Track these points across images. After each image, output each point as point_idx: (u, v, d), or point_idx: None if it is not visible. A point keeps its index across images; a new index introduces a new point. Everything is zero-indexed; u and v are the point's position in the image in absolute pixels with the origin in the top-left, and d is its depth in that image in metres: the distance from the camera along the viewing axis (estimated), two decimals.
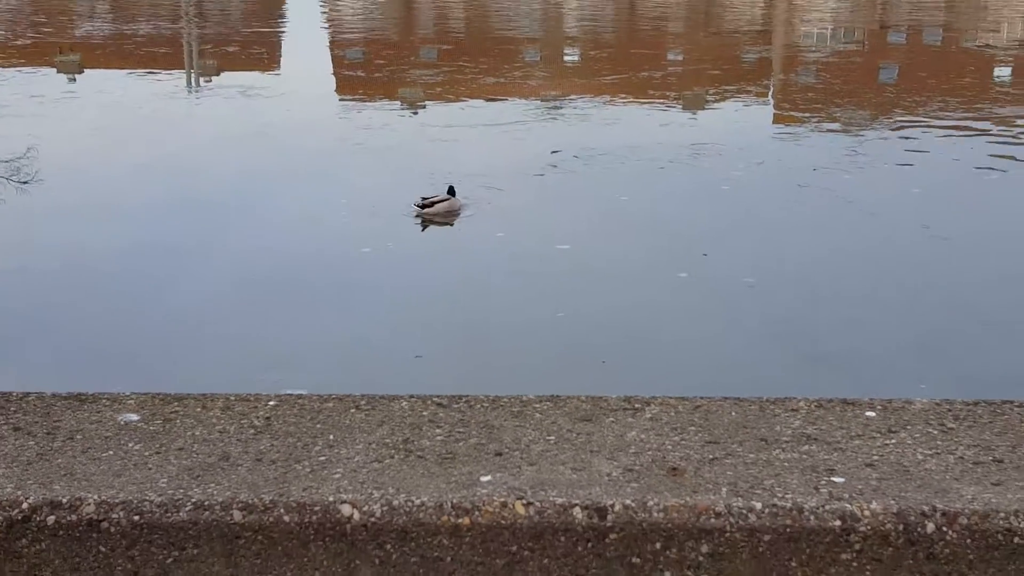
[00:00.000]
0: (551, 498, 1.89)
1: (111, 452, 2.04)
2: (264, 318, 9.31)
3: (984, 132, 16.94)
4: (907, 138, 16.70)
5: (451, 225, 12.33)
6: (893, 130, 17.36)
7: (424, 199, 12.53)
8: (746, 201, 13.28)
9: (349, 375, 8.04)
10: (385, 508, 1.89)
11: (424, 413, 2.17)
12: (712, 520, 1.87)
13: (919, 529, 1.85)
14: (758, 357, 8.60)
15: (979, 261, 11.04)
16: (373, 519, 1.89)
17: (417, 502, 1.90)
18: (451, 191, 12.68)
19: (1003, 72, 22.96)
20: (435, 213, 12.48)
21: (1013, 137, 16.70)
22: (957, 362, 8.65)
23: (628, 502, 1.88)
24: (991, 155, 15.43)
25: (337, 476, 1.96)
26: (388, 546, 1.89)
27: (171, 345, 8.74)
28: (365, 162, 14.90)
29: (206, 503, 1.89)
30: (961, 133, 16.91)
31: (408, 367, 8.31)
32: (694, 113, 19.14)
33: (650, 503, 1.88)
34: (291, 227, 11.97)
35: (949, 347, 8.94)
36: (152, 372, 8.04)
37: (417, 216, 12.40)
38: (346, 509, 1.89)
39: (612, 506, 1.88)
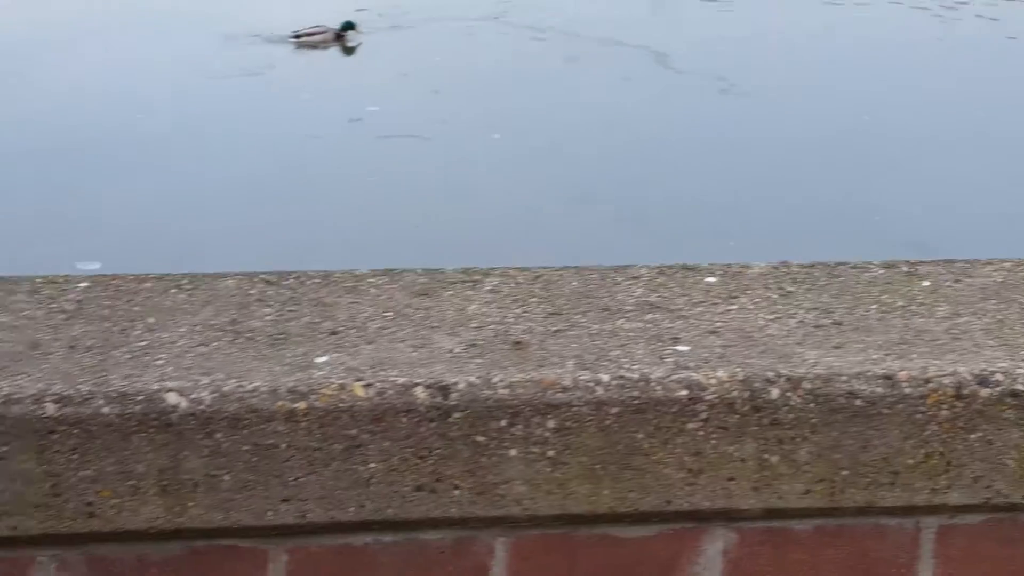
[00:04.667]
0: (391, 378, 1.82)
1: None
2: (60, 190, 8.96)
3: None
4: None
5: (325, 49, 12.09)
6: None
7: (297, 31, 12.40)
8: (554, 60, 13.26)
9: (162, 252, 7.83)
10: (214, 395, 1.79)
11: (252, 291, 2.06)
12: (559, 394, 1.82)
13: (764, 395, 1.84)
14: (573, 218, 8.65)
15: (781, 115, 11.25)
16: (202, 407, 1.78)
17: (249, 387, 1.80)
18: (346, 26, 12.49)
19: None
20: (310, 44, 12.37)
21: None
22: (762, 221, 8.85)
23: (472, 379, 1.82)
24: (788, 11, 15.66)
25: (160, 362, 1.85)
26: (218, 435, 1.79)
27: None
28: (159, 21, 14.38)
29: (15, 396, 1.76)
30: None
31: (228, 241, 8.11)
32: None
33: (495, 379, 1.82)
34: (78, 93, 11.50)
35: (755, 206, 9.13)
36: None
37: (290, 39, 12.20)
38: (172, 397, 1.78)
39: (456, 384, 1.81)
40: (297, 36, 12.63)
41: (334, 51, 13.07)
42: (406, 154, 9.91)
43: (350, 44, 12.71)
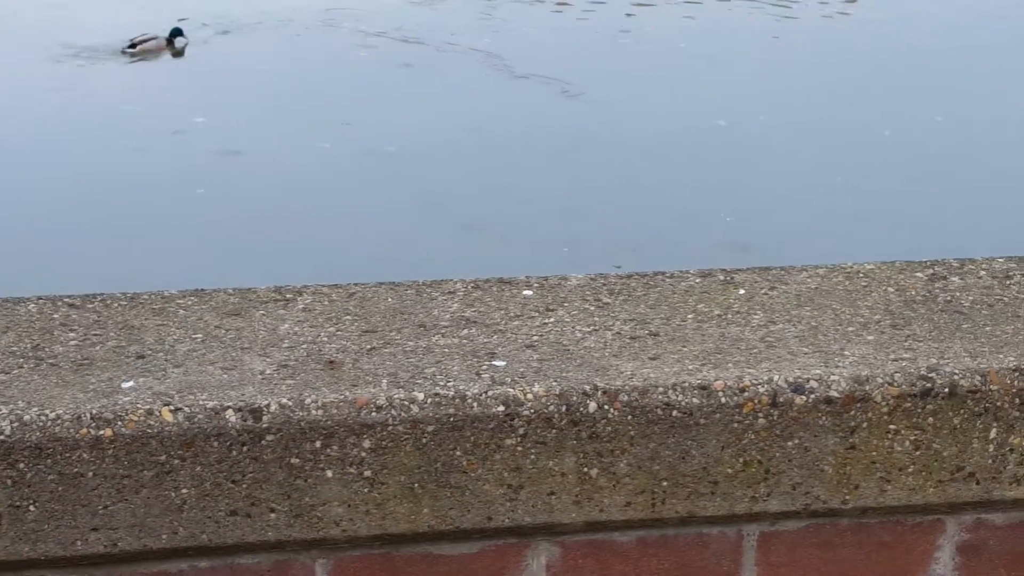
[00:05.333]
0: (201, 402, 1.77)
1: None
2: None
3: None
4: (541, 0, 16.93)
5: (162, 57, 11.87)
6: None
7: (133, 39, 12.19)
8: (386, 67, 13.19)
9: None
10: (15, 424, 1.73)
11: (55, 316, 1.99)
12: (373, 414, 1.79)
13: (581, 409, 1.83)
14: (408, 227, 8.59)
15: (621, 122, 11.33)
16: (2, 437, 1.72)
17: (52, 415, 1.74)
18: (174, 33, 12.32)
19: None
20: (145, 50, 12.12)
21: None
22: (605, 225, 8.89)
23: (284, 400, 1.78)
24: (627, 15, 15.81)
25: None
26: (21, 465, 1.73)
27: None
28: None
29: None
30: None
31: (30, 266, 7.86)
32: None
33: (308, 400, 1.79)
34: None
35: (596, 211, 9.17)
36: None
37: (125, 52, 11.95)
38: None
39: (267, 406, 1.77)
40: (132, 45, 12.45)
41: (159, 62, 12.85)
42: (230, 166, 9.76)
43: (177, 49, 12.62)
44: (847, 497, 1.92)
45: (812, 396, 1.88)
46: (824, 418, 1.88)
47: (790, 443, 1.88)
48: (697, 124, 11.53)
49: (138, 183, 9.32)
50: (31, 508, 1.75)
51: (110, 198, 9.03)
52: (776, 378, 1.88)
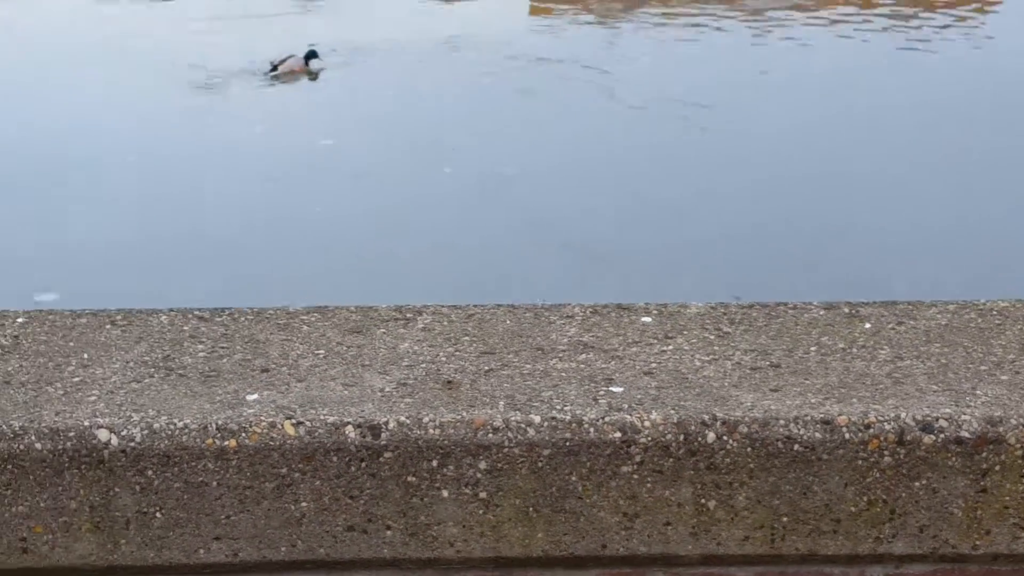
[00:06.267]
0: (322, 417, 1.79)
1: None
2: (15, 225, 8.86)
3: (744, 24, 17.20)
4: (663, 29, 16.88)
5: (299, 80, 12.14)
6: (649, 23, 17.52)
7: (273, 62, 12.52)
8: (508, 94, 13.24)
9: (100, 288, 7.72)
10: (145, 432, 1.77)
11: (185, 328, 2.03)
12: (490, 435, 1.80)
13: (699, 439, 1.82)
14: (529, 253, 8.58)
15: (747, 158, 11.20)
16: (133, 444, 1.76)
17: (180, 424, 1.77)
18: (309, 55, 12.64)
19: None
20: (287, 71, 12.42)
21: (766, 31, 17.03)
22: (723, 257, 8.78)
23: (403, 418, 1.80)
24: (752, 47, 15.68)
25: (93, 399, 1.82)
26: (149, 472, 1.77)
27: None
28: (124, 65, 14.20)
29: None
30: (717, 25, 17.16)
31: (164, 280, 8.00)
32: (448, 4, 18.89)
33: (425, 419, 1.80)
34: (45, 133, 11.41)
35: (715, 242, 9.07)
36: None
37: (267, 75, 12.28)
38: (103, 434, 1.76)
39: (386, 423, 1.79)
40: (274, 67, 12.79)
41: (292, 86, 13.10)
42: (355, 188, 9.89)
43: (313, 72, 12.94)
44: (978, 543, 1.87)
45: (942, 436, 1.82)
46: (954, 459, 1.83)
47: (917, 483, 1.84)
48: (822, 155, 11.37)
49: (267, 203, 9.48)
50: (157, 515, 1.79)
51: (240, 217, 9.19)
52: (903, 416, 1.83)
